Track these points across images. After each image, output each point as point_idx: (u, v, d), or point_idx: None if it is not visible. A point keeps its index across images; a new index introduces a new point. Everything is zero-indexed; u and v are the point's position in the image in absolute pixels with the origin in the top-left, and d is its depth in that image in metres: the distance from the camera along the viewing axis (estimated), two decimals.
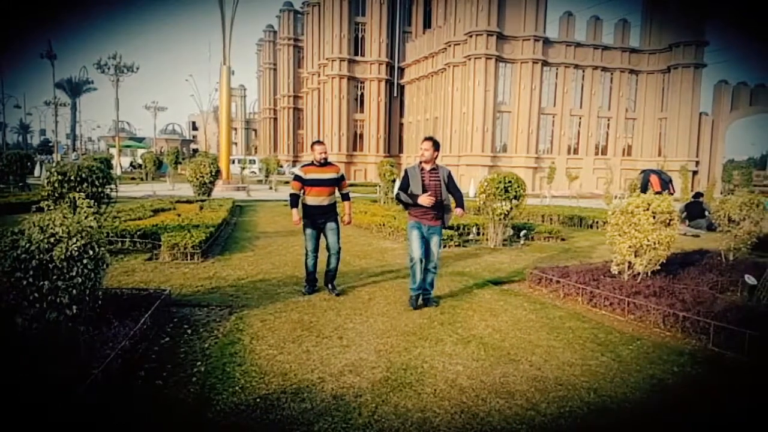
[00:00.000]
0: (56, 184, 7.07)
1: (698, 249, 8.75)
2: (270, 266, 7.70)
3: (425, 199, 5.42)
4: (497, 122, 33.17)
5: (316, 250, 6.15)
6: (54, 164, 10.54)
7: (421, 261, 5.56)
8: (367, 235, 11.06)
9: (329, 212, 6.13)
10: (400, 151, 43.80)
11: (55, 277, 3.57)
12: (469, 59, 32.35)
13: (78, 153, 60.11)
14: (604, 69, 35.04)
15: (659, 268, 6.19)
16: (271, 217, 14.03)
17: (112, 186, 7.73)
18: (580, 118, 35.28)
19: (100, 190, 7.41)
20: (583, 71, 34.76)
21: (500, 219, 9.92)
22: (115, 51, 52.36)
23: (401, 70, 43.44)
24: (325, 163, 6.11)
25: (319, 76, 45.99)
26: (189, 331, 4.74)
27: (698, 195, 14.77)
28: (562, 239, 11.13)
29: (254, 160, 47.76)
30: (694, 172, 34.42)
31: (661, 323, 5.14)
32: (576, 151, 35.46)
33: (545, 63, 33.25)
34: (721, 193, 26.73)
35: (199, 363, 4.03)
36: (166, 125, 79.67)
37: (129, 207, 12.56)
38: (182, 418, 3.23)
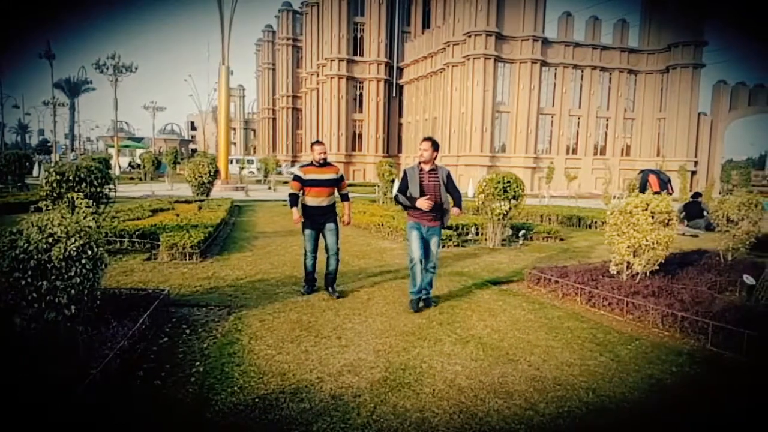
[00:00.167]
0: (55, 184, 7.06)
1: (697, 249, 8.77)
2: (269, 266, 7.70)
3: (423, 203, 5.41)
4: (496, 122, 33.18)
5: (315, 250, 6.14)
6: (52, 164, 10.53)
7: (421, 261, 5.55)
8: (366, 235, 11.06)
9: (328, 213, 6.12)
10: (399, 151, 43.80)
11: (53, 277, 3.57)
12: (468, 59, 32.37)
13: (76, 153, 60.04)
14: (602, 69, 35.08)
15: (658, 268, 6.20)
16: (270, 217, 14.02)
17: (111, 186, 7.71)
18: (578, 118, 35.31)
19: (98, 190, 7.40)
20: (582, 71, 34.79)
21: (499, 219, 9.92)
22: (114, 51, 52.31)
23: (400, 70, 43.46)
24: (324, 164, 6.10)
25: (317, 76, 45.97)
26: (188, 331, 4.73)
27: (697, 195, 14.79)
28: (561, 239, 11.14)
29: (252, 160, 47.74)
30: (693, 172, 34.47)
31: (660, 323, 5.14)
32: (575, 151, 35.49)
33: (544, 63, 33.28)
34: (720, 193, 26.74)
35: (197, 363, 4.03)
36: (165, 125, 79.73)
37: (128, 207, 12.55)
38: (181, 418, 3.23)
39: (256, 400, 3.46)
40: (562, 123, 34.77)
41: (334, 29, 41.43)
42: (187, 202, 15.35)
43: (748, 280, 5.94)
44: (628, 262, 6.18)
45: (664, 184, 20.32)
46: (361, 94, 42.72)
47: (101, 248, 4.00)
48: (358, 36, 42.50)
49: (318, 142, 6.14)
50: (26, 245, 3.53)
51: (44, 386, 3.08)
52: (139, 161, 39.87)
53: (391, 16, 42.91)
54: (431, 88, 38.59)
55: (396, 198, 5.78)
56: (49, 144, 75.56)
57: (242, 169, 34.25)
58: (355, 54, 42.28)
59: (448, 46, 34.47)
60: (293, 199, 6.11)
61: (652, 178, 20.83)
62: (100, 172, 7.51)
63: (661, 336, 4.97)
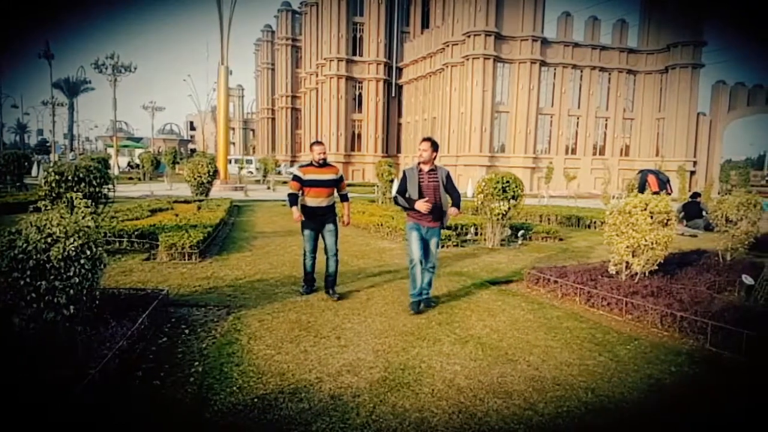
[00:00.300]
0: (54, 184, 7.05)
1: (696, 249, 8.77)
2: (268, 266, 7.69)
3: (422, 206, 5.40)
4: (495, 122, 33.19)
5: (314, 251, 6.13)
6: (51, 164, 10.52)
7: (422, 263, 5.55)
8: (365, 235, 11.05)
9: (328, 213, 6.10)
10: (398, 151, 43.81)
11: (52, 277, 3.56)
12: (467, 59, 32.38)
13: (75, 153, 59.94)
14: (602, 69, 35.11)
15: (657, 268, 6.20)
16: (269, 217, 14.02)
17: (110, 186, 7.70)
18: (578, 118, 35.34)
19: (97, 190, 7.39)
20: (581, 71, 34.81)
21: (498, 219, 9.92)
22: (113, 51, 52.31)
23: (399, 70, 43.46)
24: (324, 164, 6.08)
25: (317, 76, 45.96)
26: (187, 331, 4.73)
27: (696, 195, 14.81)
28: (560, 239, 11.14)
29: (251, 160, 47.70)
30: (692, 172, 34.50)
31: (659, 323, 5.15)
32: (574, 151, 35.52)
33: (543, 63, 33.29)
34: (719, 193, 26.77)
35: (196, 363, 4.03)
36: (164, 125, 79.69)
37: (126, 207, 12.53)
38: (180, 418, 3.23)
39: (255, 400, 3.46)
40: (561, 123, 34.80)
41: (333, 29, 41.43)
42: (186, 202, 15.34)
43: (747, 280, 5.95)
44: (627, 262, 6.18)
45: (663, 184, 20.31)
46: (360, 94, 42.72)
47: (100, 248, 3.99)
48: (358, 36, 42.50)
49: (318, 143, 6.13)
50: (25, 245, 3.53)
51: (43, 386, 3.08)
52: (138, 161, 39.89)
53: (391, 16, 42.91)
54: (430, 88, 38.60)
55: (395, 199, 5.78)
56: (48, 144, 75.49)
57: (241, 169, 34.22)
58: (354, 54, 42.28)
59: (448, 46, 34.47)
60: (293, 199, 6.08)
61: (651, 178, 20.82)
62: (99, 172, 7.50)
63: (660, 336, 4.97)
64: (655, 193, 6.76)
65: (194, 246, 7.95)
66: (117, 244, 8.68)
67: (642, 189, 19.38)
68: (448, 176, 5.69)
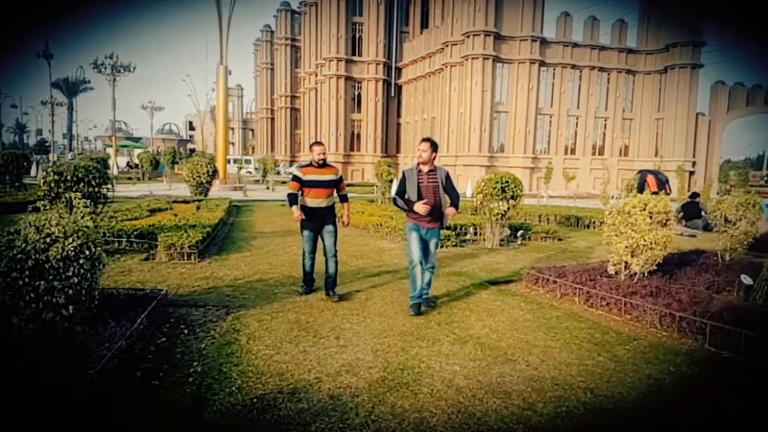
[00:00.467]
0: (53, 184, 7.05)
1: (695, 249, 8.78)
2: (267, 266, 7.69)
3: (420, 208, 5.39)
4: (494, 122, 33.19)
5: (313, 251, 6.12)
6: (50, 164, 10.52)
7: (421, 263, 5.54)
8: (365, 235, 11.05)
9: (327, 214, 6.08)
10: (398, 151, 43.80)
11: (51, 277, 3.56)
12: (467, 59, 32.38)
13: (75, 153, 59.90)
14: (601, 69, 35.11)
15: (656, 268, 6.21)
16: (268, 217, 14.01)
17: (109, 186, 7.70)
18: (577, 119, 35.35)
19: (96, 189, 7.39)
20: (580, 71, 34.81)
21: (497, 219, 9.93)
22: (112, 51, 52.30)
23: (398, 70, 43.44)
24: (323, 164, 6.06)
25: (316, 76, 45.95)
26: (186, 332, 4.73)
27: (695, 195, 14.82)
28: (559, 239, 11.15)
29: (250, 160, 47.67)
30: (691, 173, 34.51)
31: (658, 323, 5.15)
32: (573, 152, 35.52)
33: (542, 63, 33.30)
34: (718, 194, 26.80)
35: (195, 363, 4.03)
36: (163, 125, 79.63)
37: (126, 207, 12.52)
38: (179, 418, 3.23)
39: (254, 400, 3.46)
40: (560, 123, 34.80)
41: (332, 29, 41.41)
42: (186, 202, 15.33)
43: (746, 280, 5.95)
44: (626, 262, 6.19)
45: (662, 184, 20.34)
46: (359, 94, 42.71)
47: (99, 248, 4.00)
48: (357, 36, 42.48)
49: (317, 143, 6.12)
50: (24, 245, 3.52)
51: (42, 386, 3.07)
52: (137, 161, 39.82)
53: (390, 17, 42.90)
54: (430, 89, 38.60)
55: (394, 201, 5.78)
56: (47, 144, 75.44)
57: (240, 169, 34.20)
58: (353, 54, 42.27)
59: (447, 46, 34.47)
60: (292, 198, 6.05)
61: (650, 179, 20.84)
62: (98, 171, 7.50)
63: (659, 336, 4.98)
64: (654, 193, 6.76)
65: (193, 246, 7.94)
66: (116, 244, 8.68)
67: (641, 189, 19.39)
68: (447, 177, 5.68)
